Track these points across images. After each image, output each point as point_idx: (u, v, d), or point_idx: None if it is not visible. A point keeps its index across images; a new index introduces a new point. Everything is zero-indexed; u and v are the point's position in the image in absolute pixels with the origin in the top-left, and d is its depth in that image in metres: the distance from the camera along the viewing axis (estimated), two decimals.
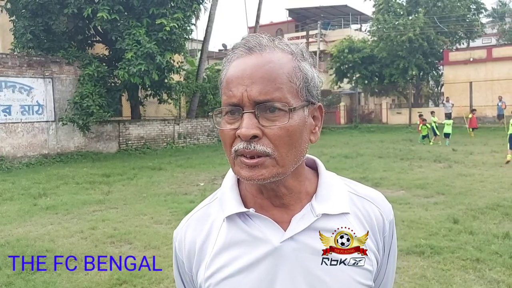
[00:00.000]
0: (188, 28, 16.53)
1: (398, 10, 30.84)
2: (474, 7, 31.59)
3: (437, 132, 17.47)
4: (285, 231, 0.90)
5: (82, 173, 11.51)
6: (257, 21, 24.61)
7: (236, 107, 0.86)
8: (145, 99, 18.08)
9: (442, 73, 31.95)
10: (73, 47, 15.88)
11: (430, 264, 4.57)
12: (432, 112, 19.07)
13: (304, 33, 34.23)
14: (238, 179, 0.99)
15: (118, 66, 14.99)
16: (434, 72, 33.19)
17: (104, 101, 15.01)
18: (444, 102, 27.73)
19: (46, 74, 14.75)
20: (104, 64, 16.03)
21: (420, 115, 19.05)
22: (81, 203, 8.05)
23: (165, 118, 18.99)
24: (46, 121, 14.76)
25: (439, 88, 35.83)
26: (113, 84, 16.45)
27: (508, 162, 11.53)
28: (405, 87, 32.06)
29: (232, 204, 0.94)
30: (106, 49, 17.11)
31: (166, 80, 16.88)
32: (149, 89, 16.97)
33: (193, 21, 17.69)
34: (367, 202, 0.98)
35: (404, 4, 31.36)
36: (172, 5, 15.65)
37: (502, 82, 26.19)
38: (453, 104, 26.10)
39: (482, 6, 32.16)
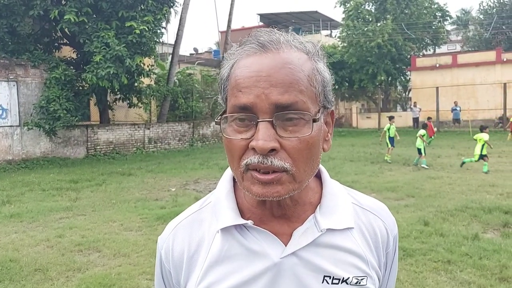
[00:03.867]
0: (158, 31, 16.33)
1: (367, 16, 31.42)
2: (440, 14, 32.56)
3: (389, 144, 13.74)
4: (285, 245, 0.82)
5: (48, 179, 11.14)
6: (228, 26, 24.58)
7: (249, 114, 0.75)
8: (114, 103, 17.72)
9: (409, 78, 32.72)
10: (39, 50, 15.43)
11: (403, 266, 4.60)
12: (391, 118, 14.69)
13: None
14: (234, 184, 0.90)
15: (86, 70, 14.63)
16: (402, 77, 33.97)
17: (71, 105, 14.60)
18: (412, 107, 28.39)
19: (11, 77, 14.25)
20: (71, 67, 15.64)
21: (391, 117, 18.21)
22: (48, 210, 7.77)
23: (135, 123, 18.65)
24: (10, 126, 14.24)
25: (407, 93, 36.69)
26: (81, 88, 16.04)
27: None
28: (374, 92, 32.67)
29: (228, 215, 0.84)
30: (73, 52, 16.68)
31: (136, 84, 16.60)
32: (118, 93, 16.63)
33: (164, 24, 17.50)
34: (371, 215, 0.91)
35: (373, 11, 32.01)
36: (142, 8, 15.42)
37: (468, 87, 27.03)
38: (420, 109, 26.76)
39: (447, 13, 33.17)
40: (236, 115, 0.76)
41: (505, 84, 24.45)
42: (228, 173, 0.92)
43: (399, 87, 36.74)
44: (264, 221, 0.85)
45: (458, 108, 25.09)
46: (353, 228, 0.87)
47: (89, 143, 16.20)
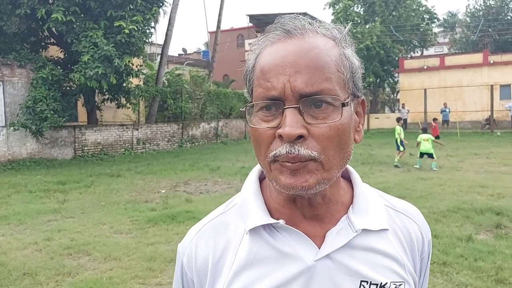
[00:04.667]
0: (147, 31, 16.18)
1: (356, 18, 31.60)
2: (427, 17, 32.87)
3: (401, 147, 13.00)
4: (319, 247, 0.77)
5: (35, 181, 10.93)
6: (218, 26, 24.52)
7: (275, 102, 0.71)
8: (102, 103, 17.51)
9: (397, 80, 32.96)
10: (26, 49, 15.19)
11: None
12: (399, 119, 14.42)
13: None
14: (261, 183, 0.85)
15: (73, 69, 14.42)
16: (390, 79, 34.23)
17: (58, 105, 14.38)
18: (400, 108, 28.60)
19: None
20: (58, 67, 15.41)
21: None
22: (35, 213, 7.60)
23: (123, 123, 18.44)
24: None
25: (395, 94, 36.97)
26: (68, 88, 15.81)
27: None
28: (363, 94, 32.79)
29: (258, 214, 0.79)
30: (61, 52, 16.44)
31: (124, 84, 16.40)
32: (106, 93, 16.43)
33: (153, 24, 17.35)
34: (406, 218, 0.87)
35: (362, 13, 32.21)
36: (131, 7, 15.26)
37: (455, 89, 27.30)
38: (408, 110, 26.98)
39: (435, 16, 33.51)
40: (262, 102, 0.73)
41: (491, 86, 24.74)
42: (254, 173, 0.87)
43: (388, 89, 37.02)
44: (294, 222, 0.79)
45: (447, 110, 25.35)
46: (388, 230, 0.82)
47: (76, 144, 15.98)
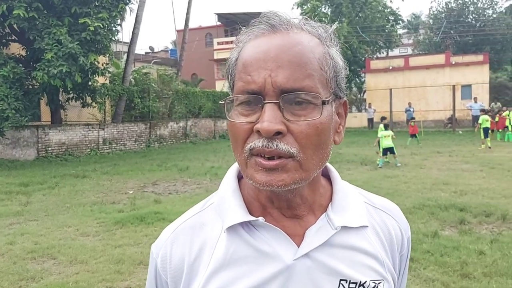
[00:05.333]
0: (113, 28, 15.84)
1: (323, 19, 31.74)
2: (392, 18, 33.62)
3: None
4: (298, 246, 0.75)
5: None
6: (186, 25, 24.31)
7: (255, 96, 0.70)
8: (67, 102, 17.02)
9: (364, 80, 33.56)
10: None
11: None
12: (383, 118, 13.97)
13: (233, 38, 34.32)
14: (239, 182, 0.83)
15: (36, 67, 13.97)
16: (357, 79, 34.80)
17: (20, 104, 13.88)
18: (367, 108, 29.16)
19: None
20: (20, 65, 14.86)
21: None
22: None
23: (88, 123, 17.99)
24: None
25: (361, 94, 37.61)
26: (30, 87, 15.30)
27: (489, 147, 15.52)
28: None
29: (236, 212, 0.77)
30: (23, 49, 15.88)
31: (90, 83, 16.02)
32: (71, 92, 15.99)
33: (119, 21, 17.01)
34: (385, 215, 0.86)
35: (329, 13, 32.61)
36: (97, 4, 14.90)
37: (418, 89, 28.06)
38: (375, 110, 27.55)
39: (399, 17, 34.32)
40: (241, 96, 0.71)
41: (453, 86, 25.55)
42: (232, 172, 0.85)
43: (355, 89, 37.63)
44: (274, 221, 0.78)
45: (411, 109, 26.04)
46: (367, 227, 0.81)
47: (40, 144, 15.48)
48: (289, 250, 0.75)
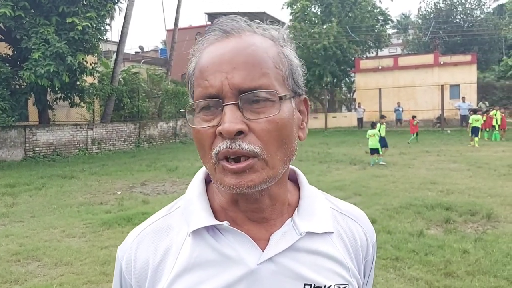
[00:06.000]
0: (102, 28, 15.75)
1: (313, 19, 32.03)
2: (382, 18, 33.77)
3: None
4: (263, 250, 0.76)
5: None
6: (175, 24, 24.22)
7: (214, 100, 0.71)
8: (55, 102, 16.88)
9: (354, 80, 33.69)
10: None
11: None
12: (383, 117, 14.51)
13: None
14: (207, 186, 0.83)
15: (23, 67, 13.84)
16: (347, 79, 34.93)
17: (7, 104, 13.75)
18: (356, 107, 29.28)
19: None
20: (7, 64, 14.74)
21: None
22: None
23: (77, 123, 17.86)
24: None
25: (351, 94, 37.78)
26: (17, 86, 15.15)
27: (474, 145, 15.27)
28: (320, 93, 33.34)
29: (201, 216, 0.77)
30: (9, 48, 15.72)
31: (78, 83, 15.91)
32: (59, 91, 15.88)
33: (108, 21, 16.92)
34: (351, 221, 0.87)
35: (319, 13, 32.68)
36: (85, 3, 14.83)
37: (408, 88, 28.22)
38: (364, 110, 27.66)
39: (389, 17, 34.48)
40: (202, 102, 0.72)
41: (442, 86, 25.74)
42: (199, 175, 0.86)
43: (344, 88, 37.77)
44: (239, 225, 0.78)
45: (400, 109, 26.26)
46: (332, 233, 0.82)
47: (27, 145, 15.33)
48: (254, 255, 0.75)
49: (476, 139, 16.45)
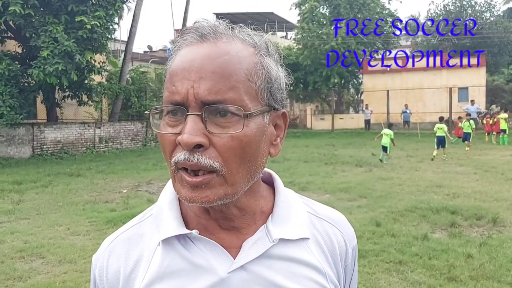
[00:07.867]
0: (110, 27, 15.83)
1: (321, 19, 31.96)
2: (391, 20, 33.59)
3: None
4: (234, 258, 0.74)
5: None
6: (184, 24, 24.26)
7: (179, 107, 0.69)
8: (63, 100, 17.02)
9: (361, 81, 33.56)
10: None
11: None
12: (391, 125, 15.14)
13: None
14: None
15: (32, 65, 13.96)
16: (354, 80, 34.80)
17: (16, 102, 13.87)
18: (364, 109, 29.18)
19: None
20: (16, 62, 14.88)
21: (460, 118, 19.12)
22: None
23: (85, 121, 17.97)
24: None
25: (359, 95, 37.66)
26: (26, 84, 15.29)
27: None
28: (328, 94, 33.28)
29: (171, 224, 0.76)
30: (19, 46, 15.87)
31: (86, 81, 16.02)
32: (67, 90, 16.00)
33: (116, 20, 17.00)
34: (328, 225, 0.85)
35: (327, 14, 32.58)
36: (94, 2, 14.91)
37: (416, 90, 28.06)
38: (371, 111, 27.55)
39: (398, 19, 34.28)
40: (170, 106, 0.70)
41: (450, 88, 25.56)
42: (171, 182, 0.84)
43: (352, 90, 37.65)
44: (210, 233, 0.77)
45: (408, 111, 26.11)
46: (308, 238, 0.80)
47: (35, 142, 15.45)
48: (224, 263, 0.73)
49: (467, 142, 16.82)
